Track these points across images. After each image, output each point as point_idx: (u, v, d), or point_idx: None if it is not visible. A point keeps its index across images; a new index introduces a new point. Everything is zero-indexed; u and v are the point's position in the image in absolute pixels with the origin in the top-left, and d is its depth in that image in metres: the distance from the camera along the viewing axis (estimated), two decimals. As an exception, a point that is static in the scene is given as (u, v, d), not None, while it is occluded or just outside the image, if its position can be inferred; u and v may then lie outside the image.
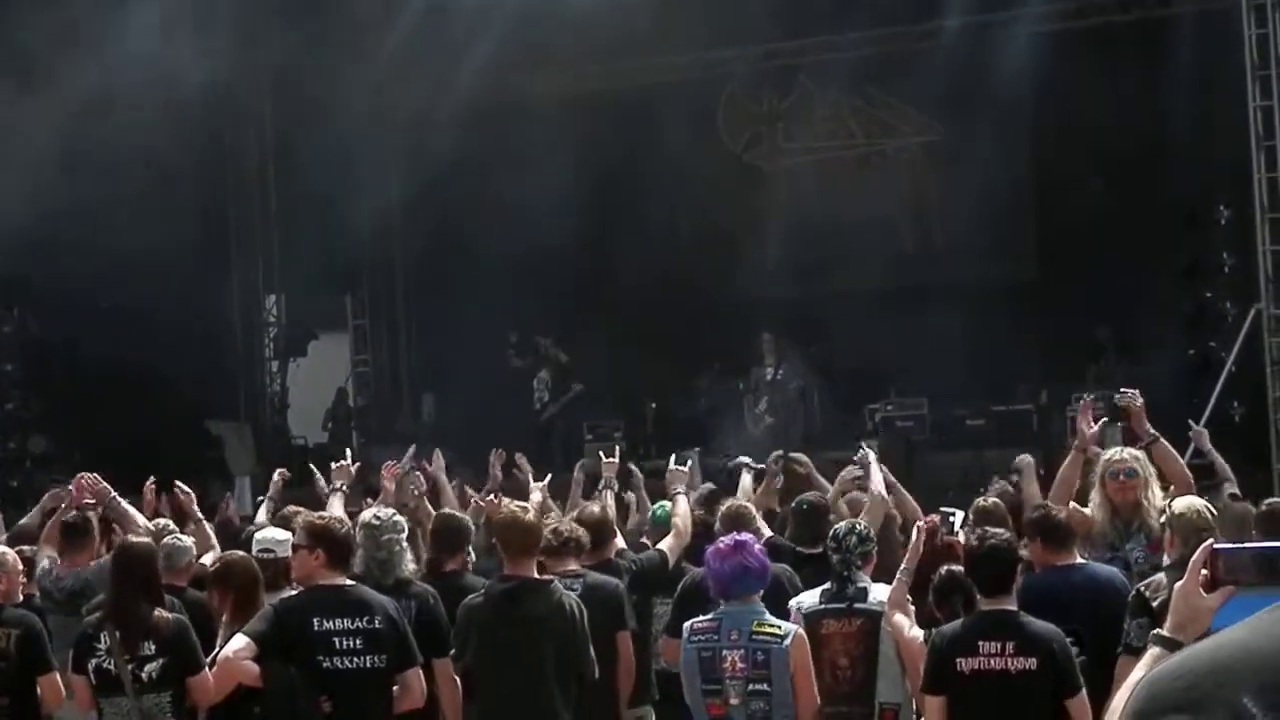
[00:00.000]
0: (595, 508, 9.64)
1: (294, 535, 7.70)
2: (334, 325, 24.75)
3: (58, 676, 8.04)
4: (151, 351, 19.65)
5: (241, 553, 8.14)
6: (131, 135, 18.72)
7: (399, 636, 7.20)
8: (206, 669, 7.45)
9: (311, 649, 7.03)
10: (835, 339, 21.36)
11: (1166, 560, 7.25)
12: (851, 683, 7.75)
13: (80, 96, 17.37)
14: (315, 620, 7.07)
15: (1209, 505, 7.36)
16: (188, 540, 9.28)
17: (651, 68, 22.63)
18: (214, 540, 9.63)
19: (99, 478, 9.56)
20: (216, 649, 7.62)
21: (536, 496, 10.47)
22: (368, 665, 7.09)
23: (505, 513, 7.94)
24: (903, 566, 7.70)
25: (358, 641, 7.08)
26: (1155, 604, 6.87)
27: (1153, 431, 9.13)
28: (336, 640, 7.05)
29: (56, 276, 19.46)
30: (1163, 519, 7.70)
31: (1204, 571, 3.10)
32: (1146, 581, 7.15)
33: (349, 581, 7.31)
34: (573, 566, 8.37)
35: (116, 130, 18.36)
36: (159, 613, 7.60)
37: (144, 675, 7.48)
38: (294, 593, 7.48)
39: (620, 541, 9.52)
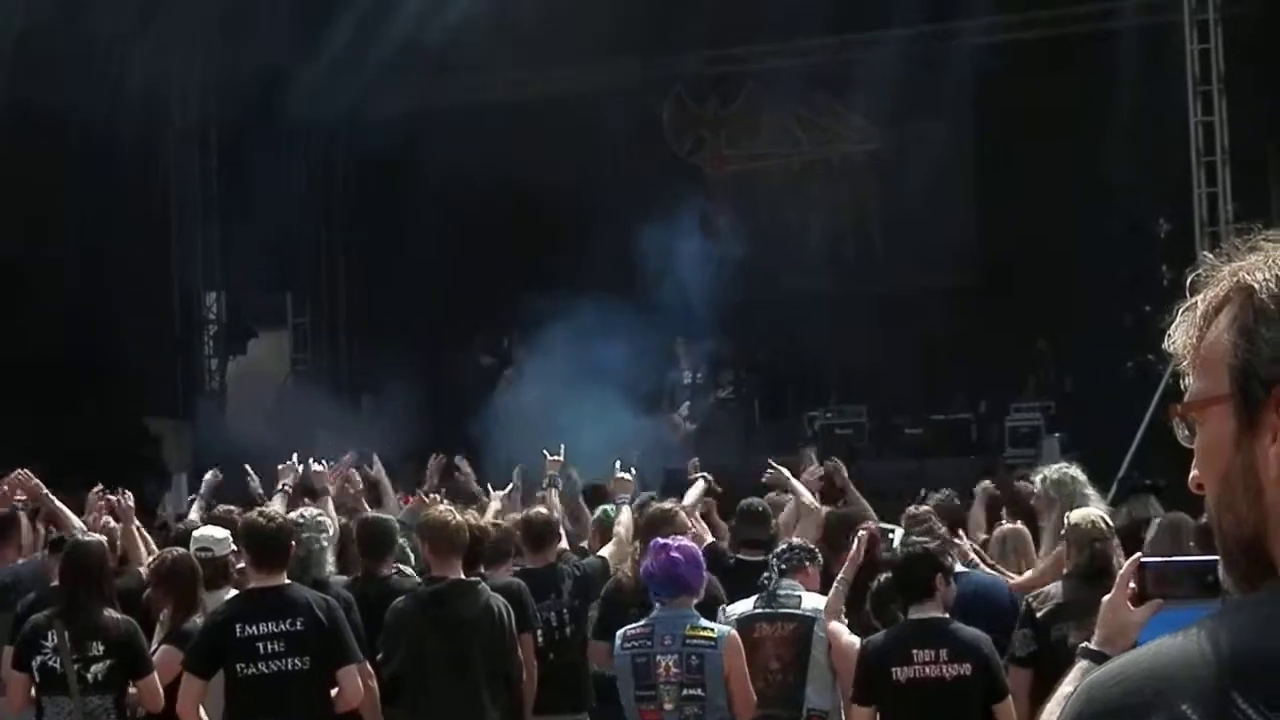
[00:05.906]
0: (542, 509, 9.57)
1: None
2: (274, 323, 24.62)
3: None
4: (90, 347, 19.46)
5: (181, 549, 8.02)
6: (72, 132, 18.60)
7: (324, 636, 7.09)
8: (155, 674, 7.38)
9: (233, 657, 7.00)
10: (775, 346, 21.37)
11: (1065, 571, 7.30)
12: (781, 686, 7.72)
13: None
14: (238, 627, 7.03)
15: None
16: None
17: (598, 70, 22.60)
18: (144, 552, 8.96)
19: (30, 474, 9.40)
20: (154, 645, 7.57)
21: (496, 505, 10.23)
22: (289, 668, 7.02)
23: (433, 514, 7.86)
24: (840, 576, 7.69)
25: (280, 645, 7.01)
26: (1040, 614, 6.95)
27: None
28: (260, 645, 7.00)
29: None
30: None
31: (1132, 585, 3.09)
32: (1035, 592, 7.26)
33: (283, 581, 7.22)
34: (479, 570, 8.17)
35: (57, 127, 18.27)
36: (108, 613, 7.47)
37: (90, 676, 7.34)
38: (228, 598, 7.45)
39: (564, 543, 9.44)
